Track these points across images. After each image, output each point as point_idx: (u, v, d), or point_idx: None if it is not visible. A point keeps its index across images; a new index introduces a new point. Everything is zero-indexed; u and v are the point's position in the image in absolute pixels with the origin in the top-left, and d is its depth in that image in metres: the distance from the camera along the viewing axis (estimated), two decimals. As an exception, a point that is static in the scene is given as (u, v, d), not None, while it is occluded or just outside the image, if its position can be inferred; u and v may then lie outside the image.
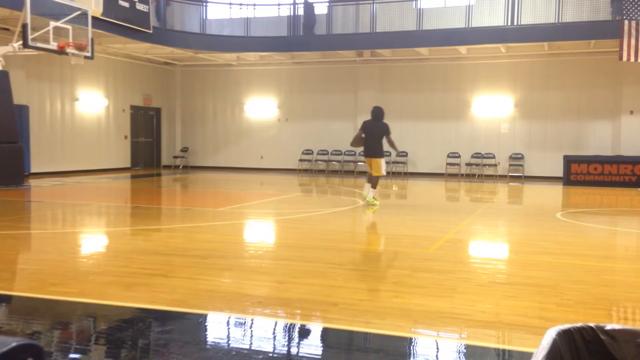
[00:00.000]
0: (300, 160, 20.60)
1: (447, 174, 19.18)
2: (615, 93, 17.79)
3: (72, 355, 3.37)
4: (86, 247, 6.96)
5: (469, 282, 5.07)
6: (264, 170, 20.83)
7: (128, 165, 20.91)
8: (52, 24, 12.66)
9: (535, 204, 12.99)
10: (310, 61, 20.65)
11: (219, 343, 3.59)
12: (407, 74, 19.71)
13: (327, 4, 19.22)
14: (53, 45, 12.64)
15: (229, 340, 3.64)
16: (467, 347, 3.55)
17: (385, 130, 10.82)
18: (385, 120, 11.01)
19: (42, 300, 4.39)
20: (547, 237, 7.73)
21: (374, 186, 10.89)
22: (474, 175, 19.05)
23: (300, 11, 19.16)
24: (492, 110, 18.94)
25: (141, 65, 21.16)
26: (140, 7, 16.25)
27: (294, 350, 3.47)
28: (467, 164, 19.17)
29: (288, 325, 3.92)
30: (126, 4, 15.67)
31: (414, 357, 3.44)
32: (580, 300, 4.48)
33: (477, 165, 19.09)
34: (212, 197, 13.46)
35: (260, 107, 21.56)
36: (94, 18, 13.75)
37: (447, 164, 19.14)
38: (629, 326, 1.54)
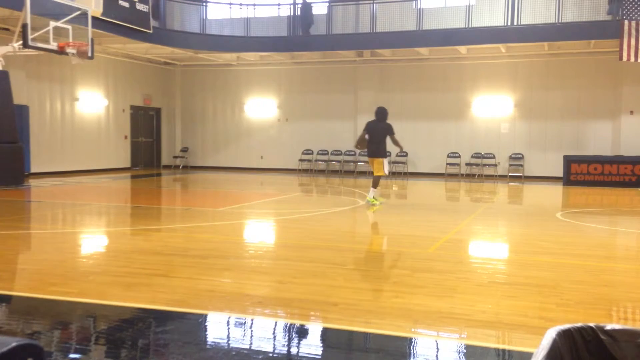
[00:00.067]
0: (300, 160, 20.60)
1: (447, 174, 19.18)
2: (615, 93, 17.79)
3: (72, 355, 3.37)
4: (86, 247, 6.96)
5: (469, 282, 5.07)
6: (263, 170, 20.83)
7: (128, 165, 20.90)
8: (52, 24, 12.66)
9: (535, 204, 12.99)
10: (310, 61, 20.65)
11: (219, 343, 3.59)
12: (407, 74, 19.71)
13: (327, 4, 19.22)
14: (53, 45, 12.64)
15: (229, 340, 3.64)
16: (467, 347, 3.55)
17: (389, 131, 10.93)
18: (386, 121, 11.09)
19: (42, 300, 4.39)
20: (547, 237, 7.73)
21: (374, 186, 10.94)
22: (474, 175, 19.05)
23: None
24: (492, 110, 18.94)
25: (141, 65, 21.16)
26: (140, 7, 16.25)
27: (294, 350, 3.47)
28: (467, 164, 19.17)
29: (288, 325, 3.92)
30: (126, 4, 15.67)
31: (414, 357, 3.44)
32: (580, 300, 4.48)
33: (477, 165, 19.09)
34: (212, 197, 13.46)
35: (260, 107, 21.56)
36: (94, 18, 13.75)
37: (447, 164, 19.14)
38: (629, 326, 1.54)
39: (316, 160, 20.60)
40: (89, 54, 13.32)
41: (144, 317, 4.07)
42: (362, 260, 6.43)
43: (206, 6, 20.42)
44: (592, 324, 1.53)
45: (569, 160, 16.61)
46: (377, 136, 10.91)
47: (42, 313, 4.18)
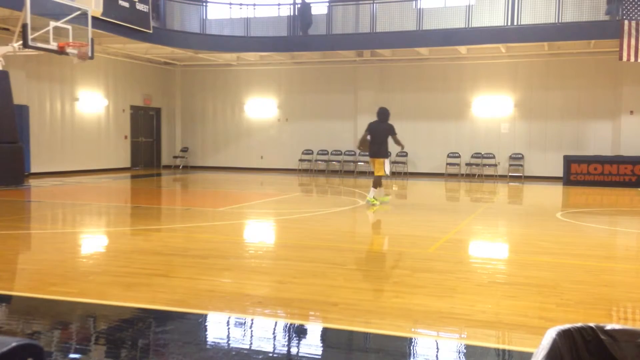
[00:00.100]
0: (300, 160, 20.60)
1: (447, 174, 19.18)
2: (615, 93, 17.79)
3: (72, 355, 3.37)
4: (86, 247, 6.96)
5: (469, 282, 5.07)
6: (263, 170, 20.83)
7: (128, 165, 20.90)
8: (52, 24, 12.66)
9: (535, 204, 12.98)
10: (310, 61, 20.65)
11: (219, 343, 3.59)
12: (407, 74, 19.71)
13: (327, 4, 19.22)
14: (53, 45, 12.64)
15: (229, 340, 3.64)
16: (467, 347, 3.55)
17: (391, 131, 10.97)
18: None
19: (42, 300, 4.39)
20: (547, 237, 7.73)
21: (375, 186, 10.94)
22: (474, 175, 19.05)
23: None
24: (492, 110, 18.94)
25: (141, 65, 21.16)
26: (140, 7, 16.25)
27: (294, 350, 3.47)
28: (467, 164, 19.17)
29: (288, 325, 3.92)
30: (126, 4, 15.67)
31: (414, 357, 3.44)
32: (580, 300, 4.48)
33: (477, 165, 19.09)
34: (212, 197, 13.46)
35: (260, 107, 21.56)
36: (94, 18, 13.75)
37: (447, 164, 19.14)
38: (629, 326, 1.54)
39: (316, 160, 20.59)
40: (89, 54, 13.32)
41: (144, 317, 4.07)
42: (362, 260, 6.43)
43: (206, 6, 20.42)
44: (592, 324, 1.53)
45: (569, 160, 16.61)
46: (379, 137, 10.95)
47: (42, 313, 4.18)
